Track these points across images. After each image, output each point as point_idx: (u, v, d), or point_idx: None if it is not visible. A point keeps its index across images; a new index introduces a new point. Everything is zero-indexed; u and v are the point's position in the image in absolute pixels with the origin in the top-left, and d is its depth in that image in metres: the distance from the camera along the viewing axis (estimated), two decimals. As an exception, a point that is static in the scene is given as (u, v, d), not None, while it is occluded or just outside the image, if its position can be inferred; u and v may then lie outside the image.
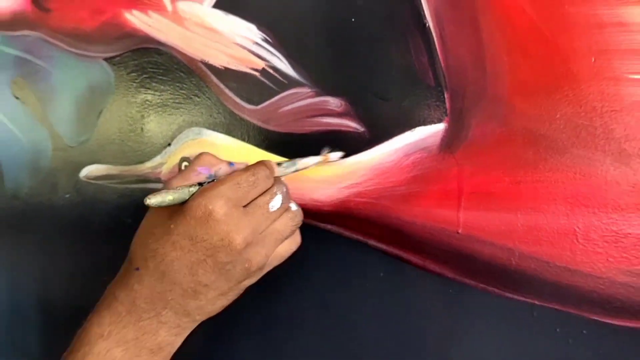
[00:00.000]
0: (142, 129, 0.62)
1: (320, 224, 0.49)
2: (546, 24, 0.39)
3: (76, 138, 0.69)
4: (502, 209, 0.42)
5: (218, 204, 0.35)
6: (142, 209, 0.60)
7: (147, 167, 0.61)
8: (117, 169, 0.64)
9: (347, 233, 0.49)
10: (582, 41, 0.38)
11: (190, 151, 0.57)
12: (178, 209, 0.36)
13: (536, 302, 0.41)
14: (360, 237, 0.48)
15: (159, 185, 0.60)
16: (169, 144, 0.59)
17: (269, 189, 0.38)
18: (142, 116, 0.62)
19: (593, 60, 0.38)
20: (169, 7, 0.59)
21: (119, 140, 0.64)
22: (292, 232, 0.40)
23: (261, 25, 0.53)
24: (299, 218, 0.40)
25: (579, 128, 0.39)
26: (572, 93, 0.39)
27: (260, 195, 0.37)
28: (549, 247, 0.40)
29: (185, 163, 0.57)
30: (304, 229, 0.45)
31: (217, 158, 0.41)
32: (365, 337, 0.48)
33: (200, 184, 0.37)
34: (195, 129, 0.58)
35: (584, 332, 0.39)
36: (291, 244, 0.40)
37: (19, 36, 0.76)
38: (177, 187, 0.37)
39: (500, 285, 0.42)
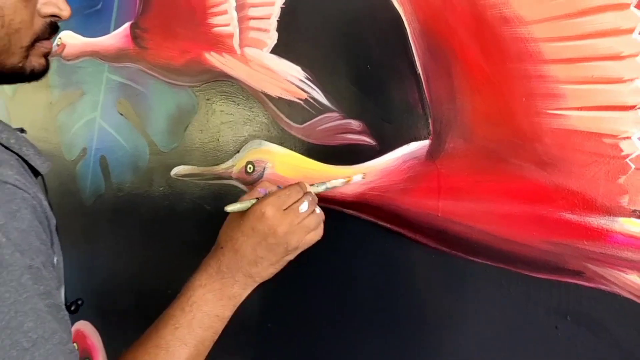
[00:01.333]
0: (218, 139, 0.84)
1: (344, 210, 0.70)
2: (495, 75, 0.58)
3: (168, 145, 0.92)
4: (467, 199, 0.61)
5: (267, 208, 0.57)
6: (219, 199, 0.82)
7: (221, 168, 0.83)
8: (199, 169, 0.86)
9: (363, 216, 0.69)
10: (517, 87, 0.56)
11: (254, 157, 0.78)
12: (245, 212, 0.58)
13: (488, 263, 0.60)
14: (372, 219, 0.68)
15: (231, 181, 0.81)
16: (238, 152, 0.81)
17: (300, 198, 0.58)
18: (218, 130, 0.84)
19: (524, 100, 0.56)
20: (238, 51, 0.80)
21: (200, 147, 0.86)
22: (317, 226, 0.60)
23: (305, 67, 0.73)
24: (320, 217, 0.60)
25: (515, 146, 0.57)
26: (510, 122, 0.57)
27: (294, 203, 0.58)
28: (498, 225, 0.59)
29: (249, 165, 0.78)
30: (334, 213, 0.66)
31: (271, 184, 0.61)
32: (366, 287, 0.68)
33: (257, 199, 0.58)
34: (257, 141, 0.79)
35: (519, 283, 0.58)
36: (316, 234, 0.60)
37: (123, 67, 0.99)
38: (244, 201, 0.58)
39: (464, 252, 0.61)
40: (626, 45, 0.51)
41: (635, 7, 0.50)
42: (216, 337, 0.58)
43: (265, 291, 0.61)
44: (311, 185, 0.62)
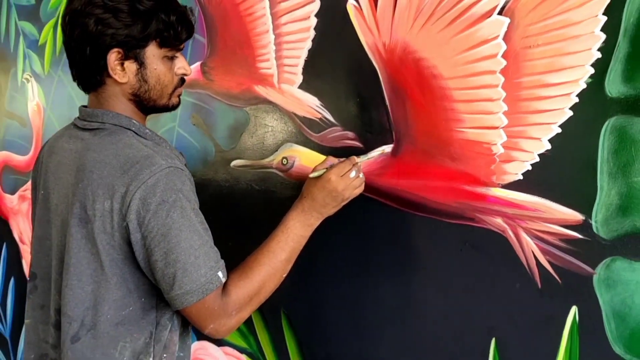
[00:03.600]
0: (263, 142, 1.28)
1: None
2: (428, 107, 1.00)
3: (228, 146, 1.36)
4: (413, 179, 1.04)
5: (332, 175, 0.95)
6: (264, 181, 1.26)
7: (265, 161, 1.27)
8: (250, 162, 1.31)
9: (355, 190, 1.12)
10: (440, 114, 0.99)
11: (287, 154, 1.22)
12: (320, 177, 0.97)
13: (424, 215, 1.03)
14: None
15: (272, 170, 1.25)
16: (276, 150, 1.25)
17: (350, 168, 0.97)
18: (263, 136, 1.28)
19: (443, 122, 0.99)
20: (277, 86, 1.24)
21: (251, 147, 1.30)
22: (360, 185, 0.98)
23: (320, 98, 1.17)
24: (362, 180, 0.98)
25: (439, 148, 1.00)
26: (436, 135, 1.00)
27: (347, 171, 0.97)
28: (429, 193, 1.02)
29: (284, 159, 1.22)
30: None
31: (335, 159, 1.00)
32: (347, 241, 1.12)
33: (326, 169, 1.00)
34: (289, 144, 1.22)
35: (440, 226, 1.00)
36: (359, 190, 0.98)
37: (195, 92, 1.43)
38: (318, 170, 0.98)
39: (412, 209, 1.04)
40: (494, 93, 0.94)
41: (500, 72, 0.93)
42: (299, 250, 0.96)
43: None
44: (358, 157, 0.99)
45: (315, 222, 0.98)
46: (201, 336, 1.43)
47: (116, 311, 0.90)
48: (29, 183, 2.00)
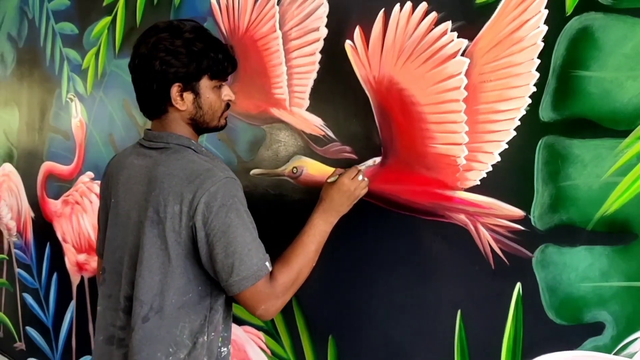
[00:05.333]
0: (277, 155, 1.55)
1: (343, 191, 1.40)
2: (409, 128, 1.27)
3: (248, 157, 1.63)
4: (397, 184, 1.30)
5: (344, 180, 1.20)
6: (278, 187, 1.53)
7: (279, 170, 1.54)
8: (266, 171, 1.57)
9: (352, 194, 1.39)
10: (417, 134, 1.25)
11: (297, 164, 1.48)
12: (334, 182, 1.22)
13: (405, 213, 1.28)
14: (356, 195, 1.38)
15: (284, 178, 1.52)
16: (288, 161, 1.52)
17: (357, 173, 1.22)
18: (277, 150, 1.55)
19: (421, 137, 1.25)
20: (288, 108, 1.51)
21: (267, 159, 1.57)
22: (366, 186, 1.24)
23: (323, 118, 1.43)
24: (367, 182, 1.24)
25: (417, 161, 1.26)
26: (414, 150, 1.26)
27: (355, 175, 1.22)
28: (410, 196, 1.28)
29: (294, 168, 1.48)
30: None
31: (342, 169, 1.25)
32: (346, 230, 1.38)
33: (338, 175, 1.24)
34: (298, 156, 1.49)
35: (417, 221, 1.26)
36: (365, 190, 1.22)
37: (220, 112, 1.70)
38: (333, 176, 1.24)
39: (396, 208, 1.30)
40: (458, 117, 1.20)
41: (462, 101, 1.19)
42: (323, 242, 1.18)
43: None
44: (358, 166, 1.27)
45: (334, 219, 1.21)
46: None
47: (179, 297, 1.11)
48: (72, 189, 2.29)
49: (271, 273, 1.11)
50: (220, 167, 1.14)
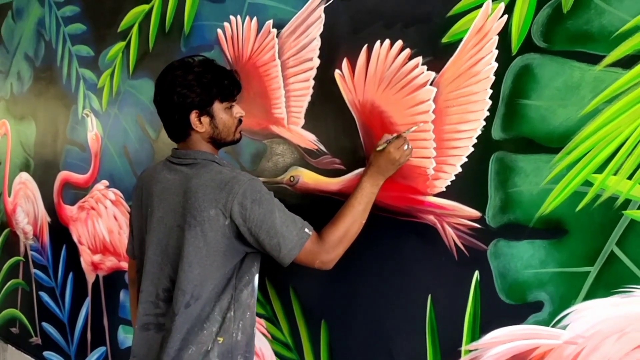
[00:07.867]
0: (276, 165, 1.80)
1: (333, 196, 1.65)
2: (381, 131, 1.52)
3: (252, 167, 1.88)
4: (380, 191, 1.55)
5: (391, 148, 1.32)
6: (278, 193, 1.78)
7: (278, 178, 1.78)
8: (267, 179, 1.82)
9: (340, 198, 1.64)
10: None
11: (294, 173, 1.73)
12: (382, 150, 1.34)
13: (387, 215, 1.53)
14: (344, 200, 1.63)
15: (283, 185, 1.77)
16: (286, 171, 1.76)
17: (404, 141, 1.40)
18: (276, 161, 1.80)
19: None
20: (286, 125, 1.76)
21: (268, 169, 1.82)
22: (410, 153, 1.35)
23: (316, 134, 1.69)
24: (411, 150, 1.35)
25: (396, 171, 1.51)
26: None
27: (402, 144, 1.34)
28: (390, 200, 1.53)
29: (292, 177, 1.73)
30: (323, 197, 1.61)
31: (391, 134, 1.43)
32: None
33: (386, 143, 1.42)
34: (295, 166, 1.74)
35: (396, 222, 1.51)
36: (409, 157, 1.36)
37: (226, 128, 1.95)
38: (381, 144, 1.41)
39: (379, 211, 1.55)
40: (427, 135, 1.45)
41: (431, 122, 1.45)
42: (371, 203, 1.35)
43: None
44: (405, 132, 1.36)
45: (380, 182, 1.37)
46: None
47: (213, 285, 1.32)
48: (88, 196, 2.52)
49: (321, 233, 1.32)
50: (241, 173, 1.35)
